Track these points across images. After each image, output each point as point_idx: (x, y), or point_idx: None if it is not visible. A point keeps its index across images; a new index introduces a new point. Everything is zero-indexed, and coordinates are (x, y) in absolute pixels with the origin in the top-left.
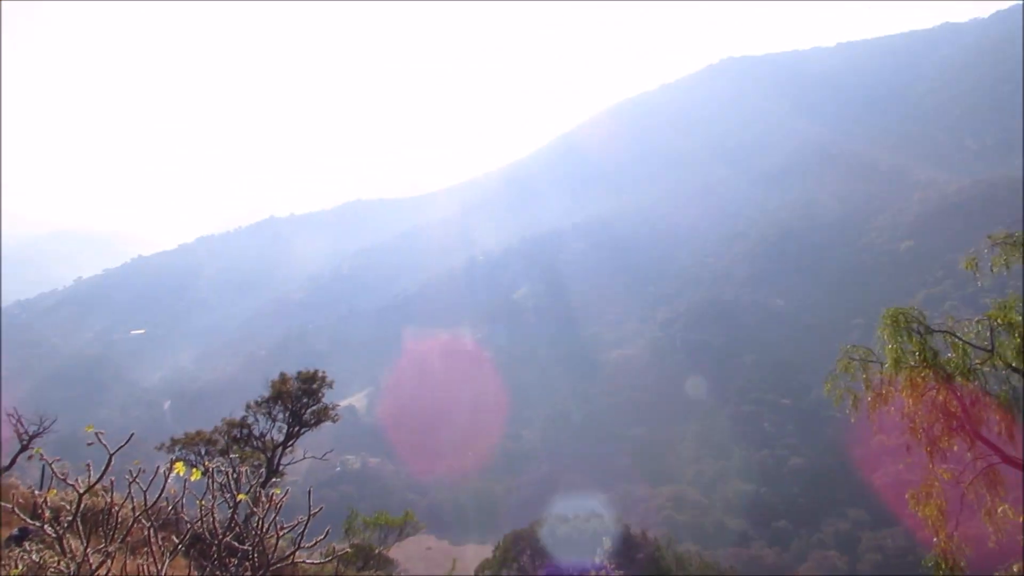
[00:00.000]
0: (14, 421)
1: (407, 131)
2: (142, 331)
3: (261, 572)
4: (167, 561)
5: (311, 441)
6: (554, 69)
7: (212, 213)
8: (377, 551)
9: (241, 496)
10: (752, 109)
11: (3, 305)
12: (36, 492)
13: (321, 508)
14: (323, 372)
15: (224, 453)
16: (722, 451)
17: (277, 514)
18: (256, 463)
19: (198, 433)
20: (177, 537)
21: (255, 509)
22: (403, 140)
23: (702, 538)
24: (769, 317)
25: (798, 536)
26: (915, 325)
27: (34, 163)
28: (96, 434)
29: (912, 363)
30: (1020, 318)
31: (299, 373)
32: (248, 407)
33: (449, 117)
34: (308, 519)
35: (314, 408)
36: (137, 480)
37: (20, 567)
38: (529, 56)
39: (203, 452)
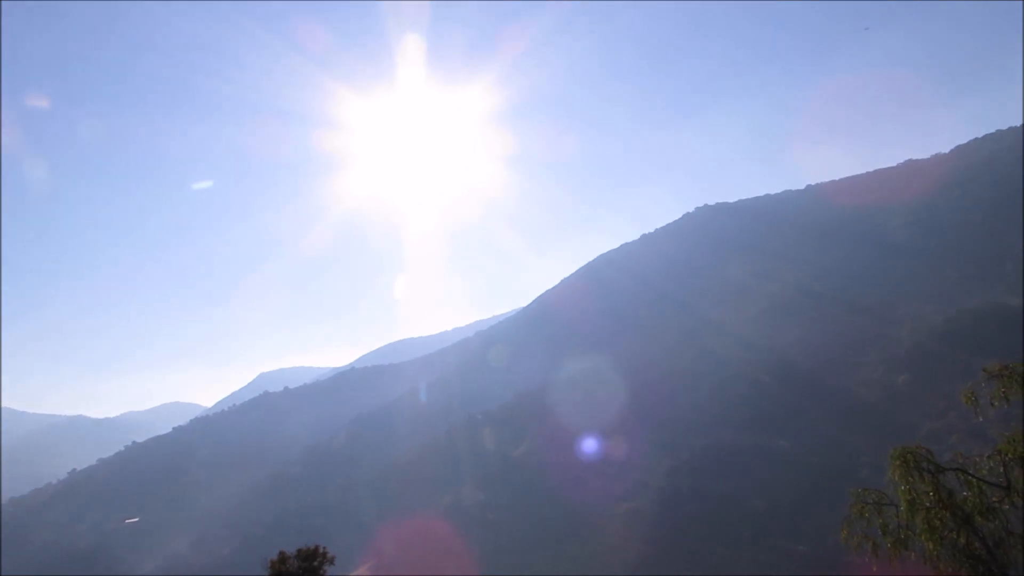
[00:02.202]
0: None
1: (387, 295)
2: (136, 519)
3: None
4: None
5: None
6: (537, 227)
7: (207, 392)
8: None
9: None
10: (731, 254)
11: None
12: None
13: None
14: (324, 548)
15: None
16: None
17: None
18: None
19: None
20: None
21: None
22: (384, 305)
23: None
24: (774, 460)
25: None
26: (925, 464)
27: (16, 356)
28: None
29: (928, 504)
30: None
31: (299, 551)
32: None
33: (432, 278)
34: None
35: None
36: None
37: None
38: (515, 216)
39: None
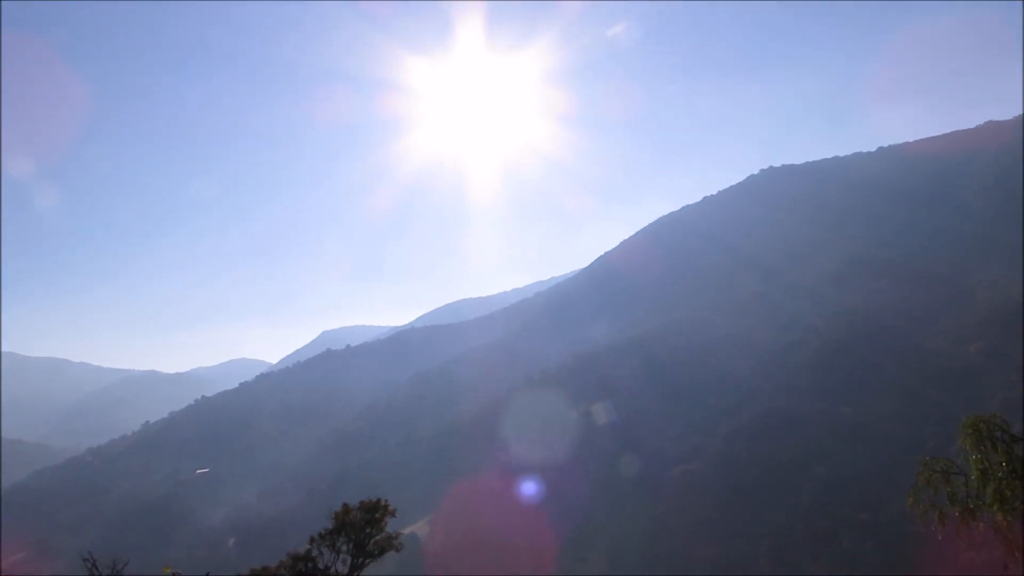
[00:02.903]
0: (90, 565)
1: (444, 254)
2: (206, 470)
3: None
4: None
5: (374, 572)
6: (596, 188)
7: (272, 349)
8: None
9: None
10: (797, 218)
11: (76, 453)
12: None
13: None
14: (385, 501)
15: None
16: (799, 571)
17: None
18: None
19: (263, 569)
20: None
21: None
22: (440, 264)
23: None
24: (837, 427)
25: None
26: (999, 433)
27: (95, 314)
28: (174, 575)
29: (1000, 475)
30: None
31: (361, 503)
32: (312, 540)
33: (491, 239)
34: None
35: (378, 538)
36: None
37: None
38: (573, 177)
39: None
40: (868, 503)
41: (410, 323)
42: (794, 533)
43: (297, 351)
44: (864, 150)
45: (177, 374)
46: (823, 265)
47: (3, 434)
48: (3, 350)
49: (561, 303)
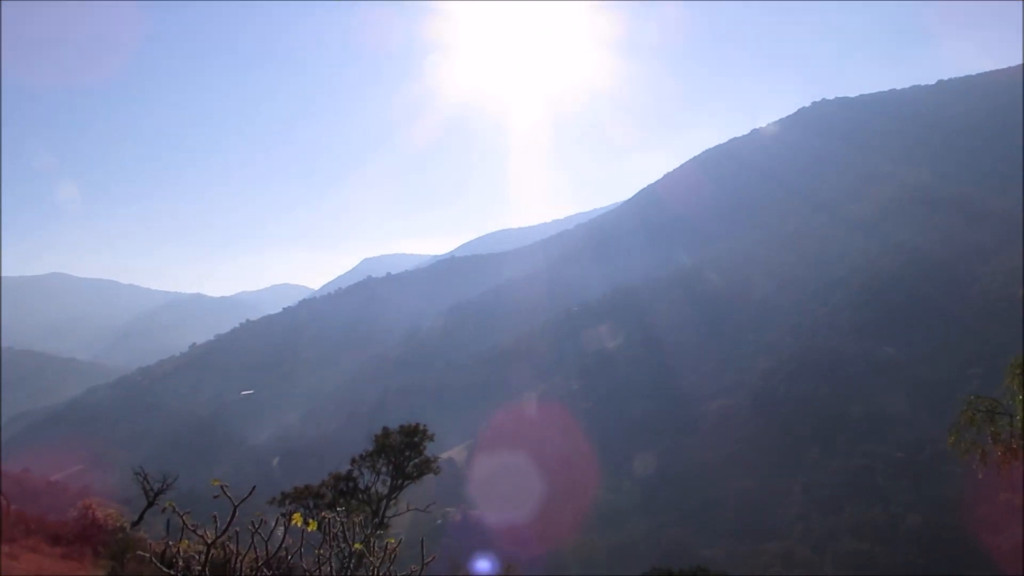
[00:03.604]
0: (142, 479)
1: (487, 182)
2: (251, 392)
3: None
4: None
5: (412, 494)
6: (641, 119)
7: (314, 275)
8: None
9: (357, 545)
10: (847, 153)
11: (126, 372)
12: (170, 543)
13: (433, 557)
14: (424, 426)
15: (331, 506)
16: (832, 507)
17: (392, 564)
18: (362, 516)
19: (306, 487)
20: None
21: (369, 558)
22: (484, 193)
23: None
24: (877, 367)
25: None
26: None
27: (143, 236)
28: (222, 487)
29: None
30: None
31: (401, 427)
32: (353, 461)
33: (534, 169)
34: (421, 568)
35: (416, 461)
36: (259, 531)
37: None
38: (616, 107)
39: (311, 505)
40: (904, 442)
41: (450, 252)
42: (828, 469)
43: (338, 277)
44: (923, 83)
45: (222, 297)
46: (873, 200)
47: (58, 352)
48: (55, 271)
49: (602, 235)
